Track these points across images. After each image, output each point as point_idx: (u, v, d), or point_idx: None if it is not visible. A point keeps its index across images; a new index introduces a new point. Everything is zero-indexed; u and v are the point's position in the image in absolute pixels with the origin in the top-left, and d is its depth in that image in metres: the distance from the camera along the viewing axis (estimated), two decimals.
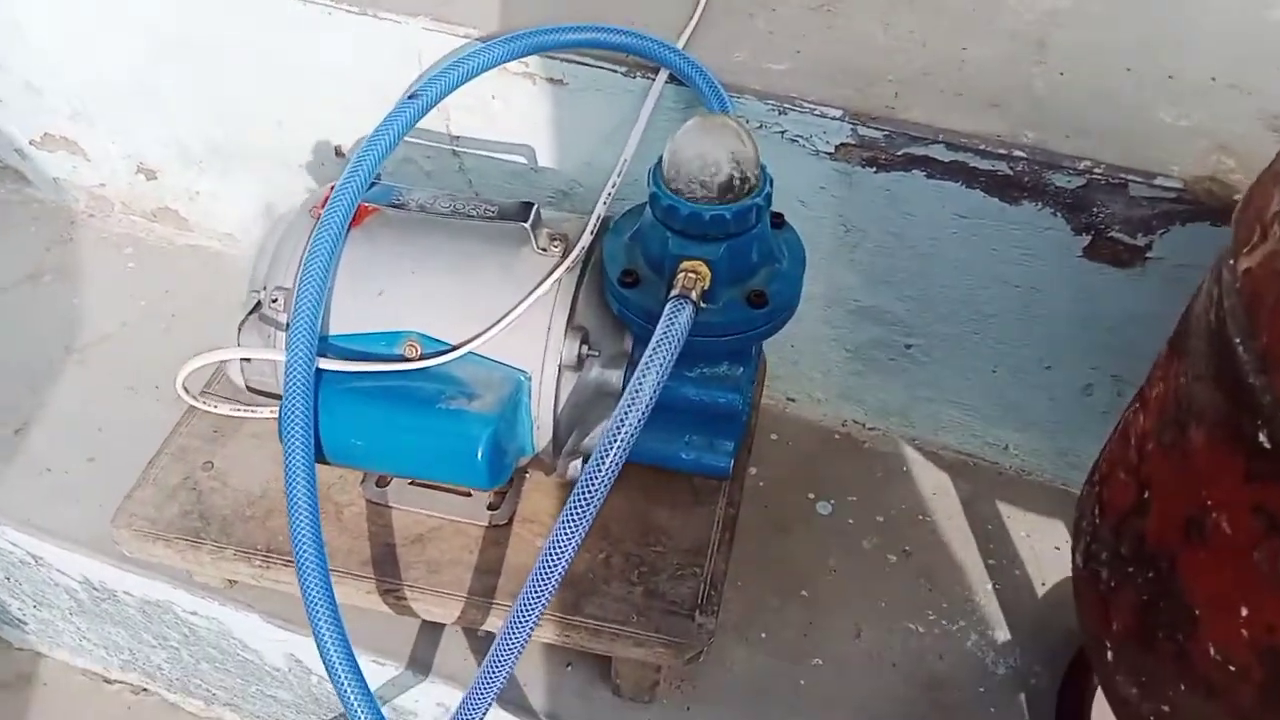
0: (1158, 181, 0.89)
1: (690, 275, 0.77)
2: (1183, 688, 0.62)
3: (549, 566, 0.75)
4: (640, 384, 0.73)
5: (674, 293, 0.77)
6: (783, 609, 1.08)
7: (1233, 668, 0.58)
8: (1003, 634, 1.07)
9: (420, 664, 1.02)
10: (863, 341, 1.15)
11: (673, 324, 0.75)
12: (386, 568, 0.96)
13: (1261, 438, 0.53)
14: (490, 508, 0.99)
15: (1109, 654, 0.70)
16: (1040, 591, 1.11)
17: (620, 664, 0.96)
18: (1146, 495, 0.66)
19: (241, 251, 1.45)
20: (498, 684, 0.78)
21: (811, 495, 1.19)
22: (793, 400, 1.26)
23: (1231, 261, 0.57)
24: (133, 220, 1.50)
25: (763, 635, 1.06)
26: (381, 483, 1.01)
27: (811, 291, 1.04)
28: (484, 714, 0.79)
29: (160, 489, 1.02)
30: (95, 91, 1.34)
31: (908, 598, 1.10)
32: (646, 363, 0.74)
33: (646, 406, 0.74)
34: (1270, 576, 0.54)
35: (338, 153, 1.25)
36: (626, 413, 0.73)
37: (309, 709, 1.23)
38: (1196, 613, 0.60)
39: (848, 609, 1.08)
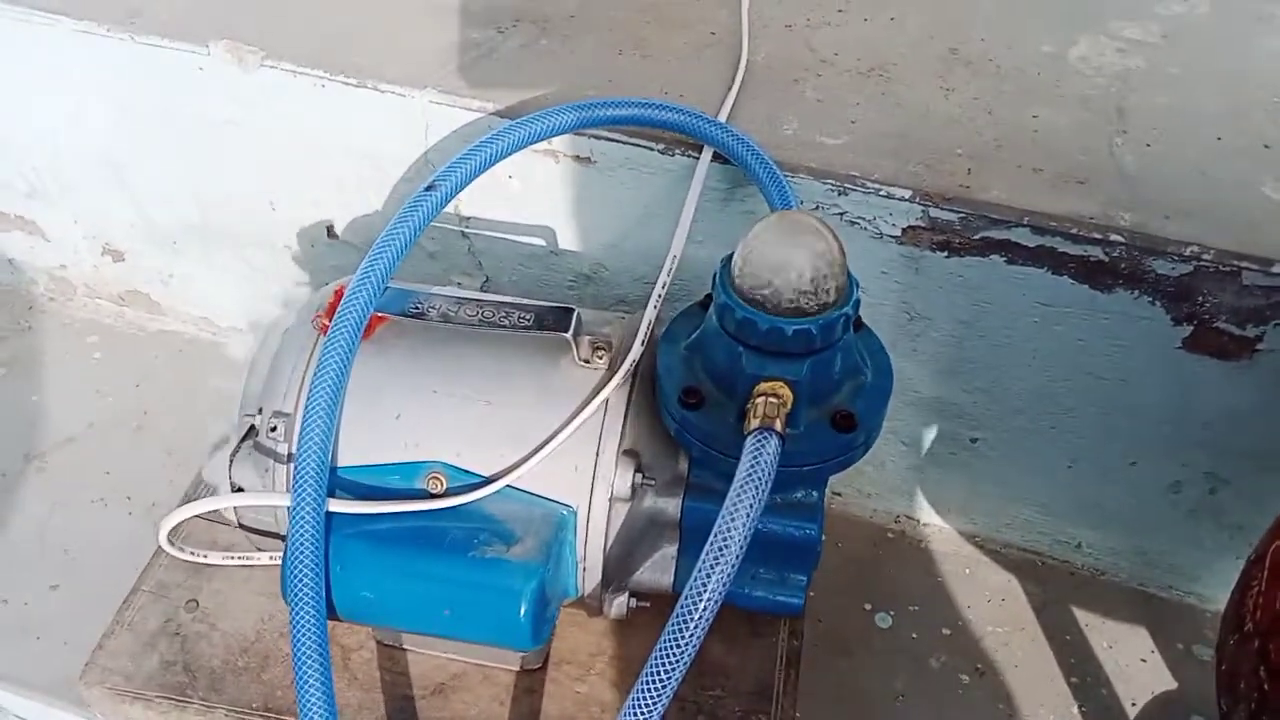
0: (1276, 269, 0.79)
1: (772, 400, 0.66)
2: None
3: None
4: (728, 535, 0.61)
5: (754, 425, 0.65)
6: None
7: None
8: None
9: None
10: (923, 435, 1.04)
11: (759, 462, 0.63)
12: None
13: None
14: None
15: None
16: (1131, 713, 0.99)
17: None
18: None
19: (219, 337, 1.32)
20: None
21: (869, 606, 1.07)
22: (839, 495, 1.15)
23: None
24: (98, 304, 1.36)
25: None
26: None
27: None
28: None
29: (137, 635, 0.88)
30: (54, 167, 1.21)
31: None
32: (733, 507, 0.62)
33: (737, 557, 0.62)
34: None
35: (330, 233, 1.13)
36: (714, 567, 0.61)
37: None
38: None
39: None
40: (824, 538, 0.81)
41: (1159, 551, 1.05)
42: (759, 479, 0.63)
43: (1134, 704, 1.00)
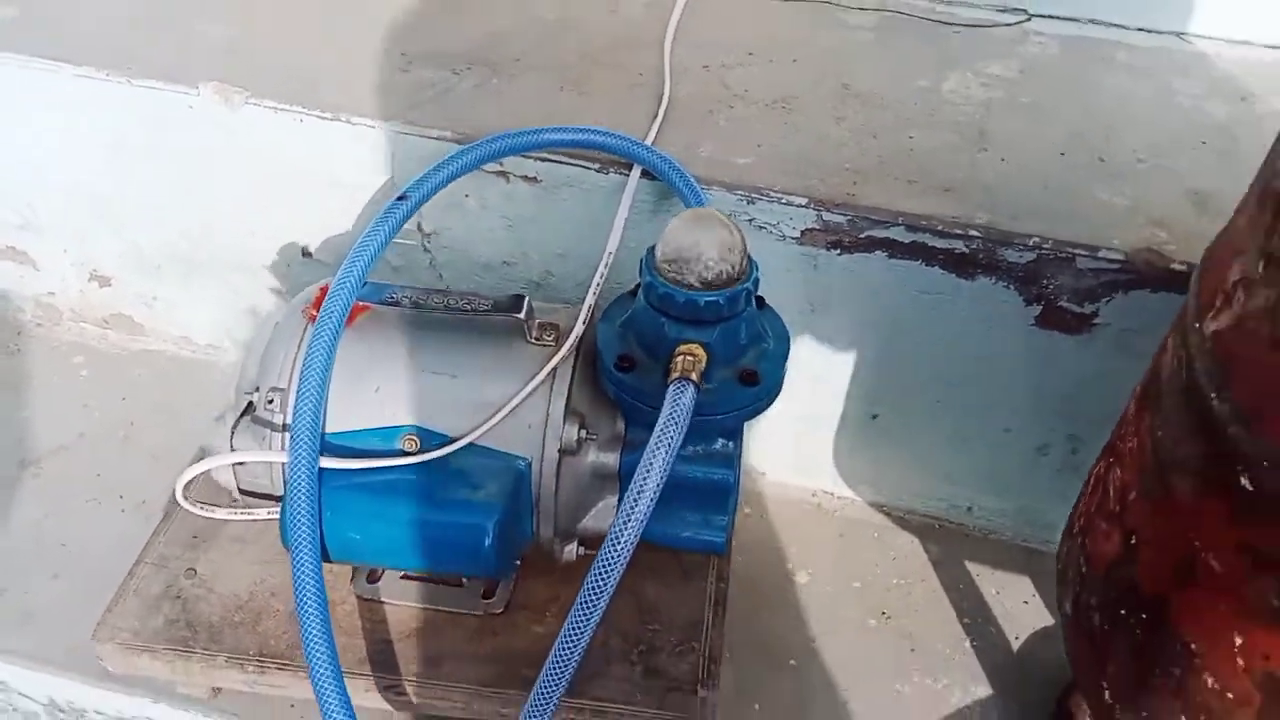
0: (1101, 254, 0.97)
1: (689, 358, 0.81)
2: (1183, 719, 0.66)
3: (568, 649, 0.76)
4: (650, 463, 0.76)
5: (675, 375, 0.80)
6: (774, 681, 1.10)
7: (1231, 695, 0.62)
8: (984, 689, 1.11)
9: None
10: (829, 414, 1.20)
11: (677, 405, 0.78)
12: (385, 664, 0.95)
13: (1244, 481, 0.58)
14: (485, 596, 1.00)
15: (1106, 695, 0.74)
16: (1015, 646, 1.15)
17: None
18: (1133, 542, 0.71)
19: (199, 355, 1.44)
20: None
21: (790, 566, 1.22)
22: (763, 474, 1.30)
23: (1198, 325, 0.63)
24: (83, 328, 1.47)
25: (757, 707, 1.08)
26: (372, 578, 1.00)
27: None
28: None
29: (143, 600, 1.00)
30: (47, 201, 1.33)
31: (891, 660, 1.12)
32: (655, 443, 0.77)
33: (657, 485, 0.76)
34: (1262, 609, 0.59)
35: (305, 254, 1.26)
36: (640, 492, 0.75)
37: None
38: (1193, 647, 0.64)
39: (837, 675, 1.11)
40: (740, 484, 0.96)
41: (1036, 510, 1.21)
42: (679, 417, 0.78)
43: (1017, 638, 1.15)
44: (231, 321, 1.39)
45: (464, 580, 1.00)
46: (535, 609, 1.00)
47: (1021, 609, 1.18)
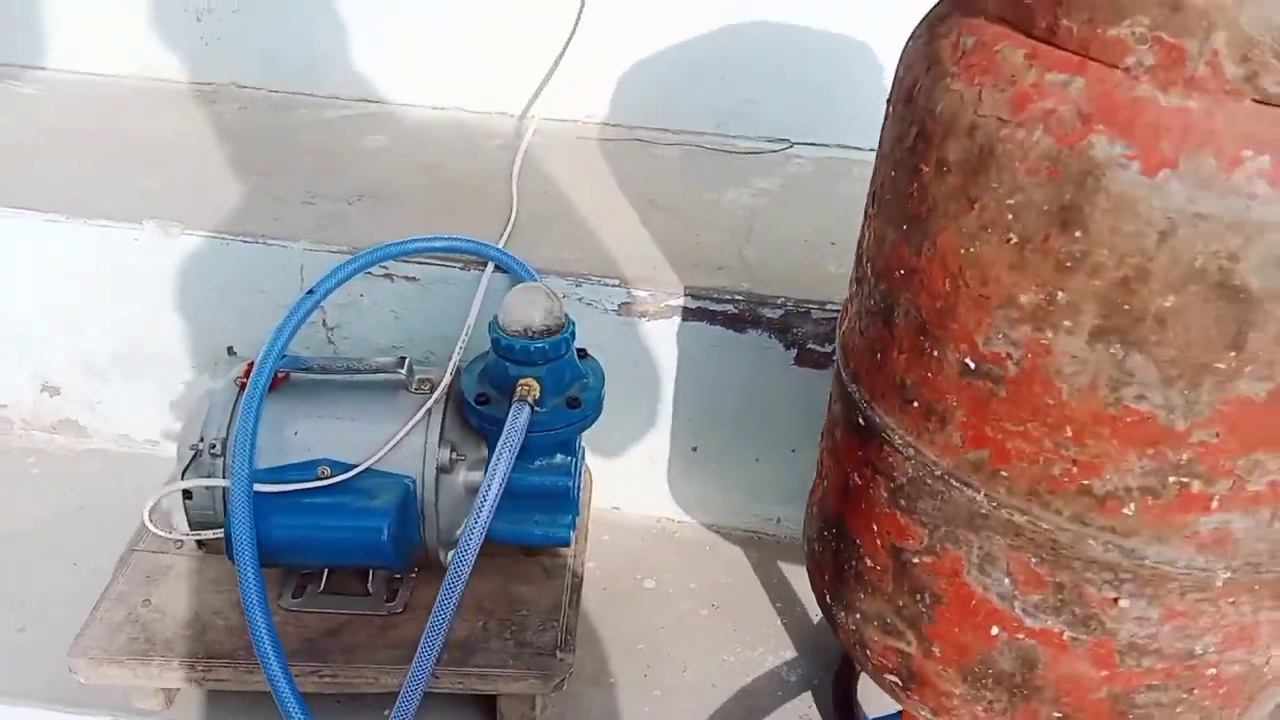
0: (828, 306, 1.35)
1: (525, 387, 1.14)
2: (861, 596, 0.98)
3: (440, 616, 1.05)
4: (498, 459, 1.07)
5: (515, 400, 1.12)
6: (625, 659, 1.38)
7: (878, 567, 0.95)
8: (791, 653, 1.41)
9: None
10: (661, 451, 1.53)
11: (517, 418, 1.10)
12: (312, 655, 1.21)
13: (860, 420, 0.93)
14: (388, 600, 1.27)
15: (826, 597, 1.06)
16: (815, 621, 1.46)
17: (503, 705, 1.23)
18: (825, 483, 1.04)
19: (139, 450, 1.69)
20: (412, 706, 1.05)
21: (639, 575, 1.52)
22: (617, 509, 1.61)
23: (840, 330, 0.99)
24: (33, 435, 1.71)
25: (612, 680, 1.36)
26: (297, 594, 1.27)
27: (617, 416, 1.43)
28: None
29: (108, 626, 1.24)
30: (8, 321, 1.60)
31: (719, 638, 1.42)
32: (501, 446, 1.08)
33: (504, 476, 1.07)
34: (882, 502, 0.93)
35: (230, 352, 1.55)
36: (492, 477, 1.06)
37: None
38: (856, 541, 0.97)
39: (675, 651, 1.40)
40: (579, 493, 1.27)
41: None
42: (519, 427, 1.09)
43: (817, 616, 1.46)
44: (167, 418, 1.65)
45: (369, 590, 1.27)
46: (428, 606, 1.27)
47: None
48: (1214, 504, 0.73)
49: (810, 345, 1.38)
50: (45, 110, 1.85)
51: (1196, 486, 0.73)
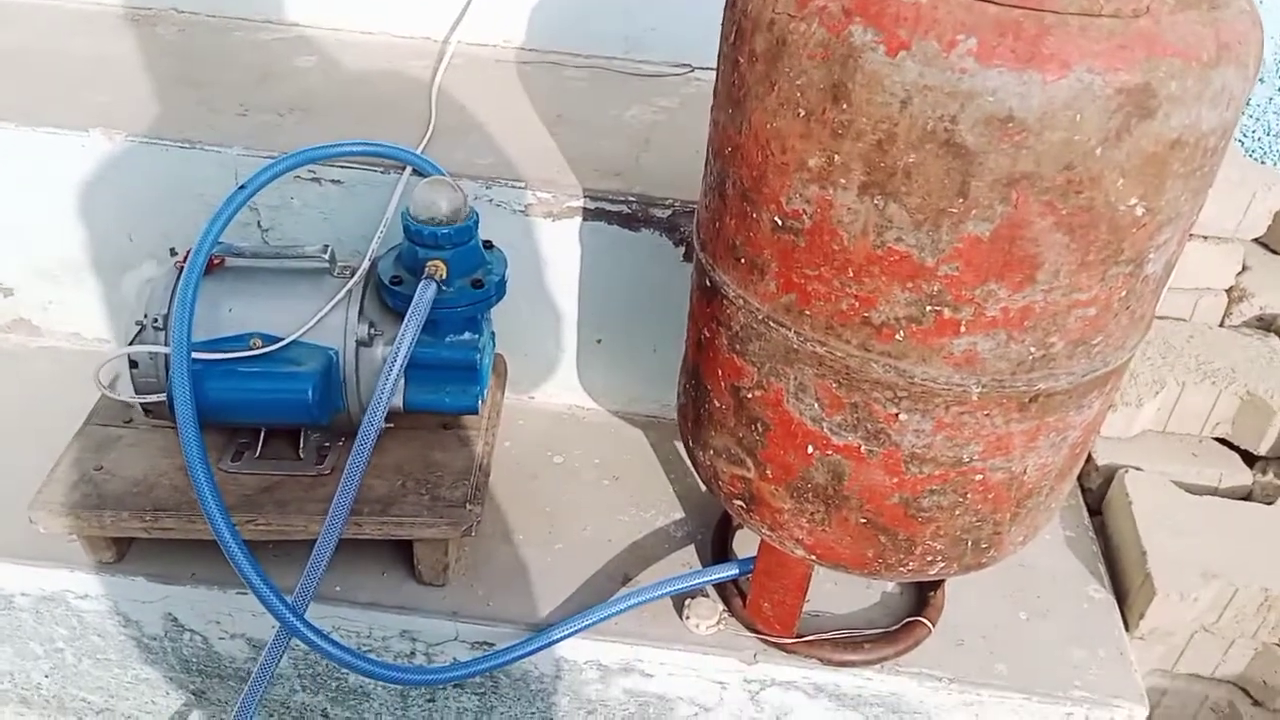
0: None
1: (433, 267, 1.30)
2: (712, 433, 1.17)
3: (352, 472, 1.22)
4: (405, 329, 1.24)
5: (423, 277, 1.28)
6: (532, 520, 1.57)
7: (723, 406, 1.13)
8: (679, 514, 1.60)
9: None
10: (569, 342, 1.70)
11: (424, 293, 1.26)
12: (248, 508, 1.37)
13: (708, 282, 1.11)
14: (317, 464, 1.44)
15: (690, 441, 1.25)
16: (703, 490, 1.65)
17: (419, 551, 1.41)
18: (686, 343, 1.23)
19: (89, 346, 1.83)
20: (327, 552, 1.22)
21: (549, 453, 1.70)
22: (532, 398, 1.78)
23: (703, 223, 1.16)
24: None
25: (520, 537, 1.54)
26: (235, 458, 1.43)
27: (528, 311, 1.60)
28: (317, 579, 1.22)
29: (64, 485, 1.39)
30: None
31: (617, 503, 1.61)
32: (409, 316, 1.24)
33: (411, 342, 1.24)
34: (723, 348, 1.11)
35: (172, 252, 1.69)
36: (399, 347, 1.23)
37: (179, 678, 1.57)
38: (707, 386, 1.16)
39: (577, 514, 1.58)
40: (488, 363, 1.44)
41: None
42: (425, 300, 1.26)
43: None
44: (114, 316, 1.79)
45: (300, 455, 1.44)
46: None
47: None
48: (962, 328, 0.92)
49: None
50: None
51: (947, 313, 0.91)
